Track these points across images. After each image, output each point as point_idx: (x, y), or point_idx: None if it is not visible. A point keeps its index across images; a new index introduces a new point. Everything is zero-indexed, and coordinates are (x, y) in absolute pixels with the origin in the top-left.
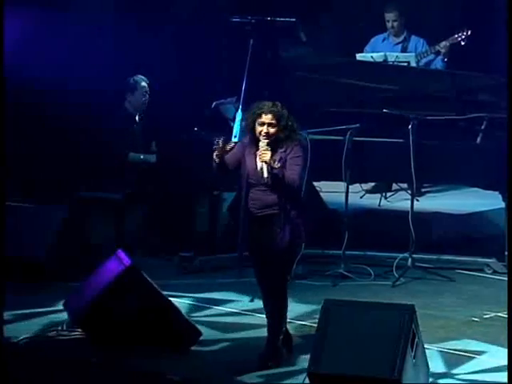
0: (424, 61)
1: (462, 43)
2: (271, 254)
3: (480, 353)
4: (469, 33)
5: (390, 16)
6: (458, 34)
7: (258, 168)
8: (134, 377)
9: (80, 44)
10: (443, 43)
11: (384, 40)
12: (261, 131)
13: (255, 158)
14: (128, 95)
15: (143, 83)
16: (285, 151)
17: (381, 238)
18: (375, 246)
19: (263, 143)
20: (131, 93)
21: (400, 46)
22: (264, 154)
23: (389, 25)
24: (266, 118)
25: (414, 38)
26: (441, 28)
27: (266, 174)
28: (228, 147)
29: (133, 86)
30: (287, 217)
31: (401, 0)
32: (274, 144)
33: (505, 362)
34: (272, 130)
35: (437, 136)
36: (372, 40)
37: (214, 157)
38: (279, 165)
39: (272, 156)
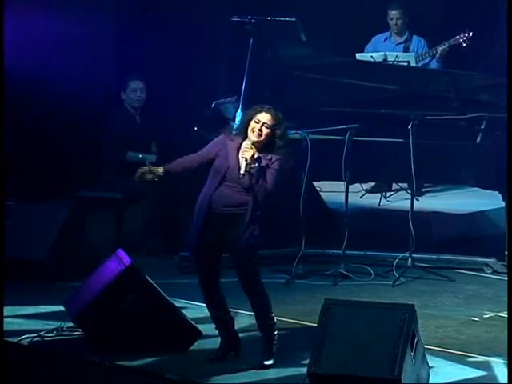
0: (421, 63)
1: (464, 45)
2: (221, 255)
3: (480, 353)
4: (470, 34)
5: (394, 14)
6: (459, 35)
7: (240, 163)
8: (133, 377)
9: (81, 44)
10: (441, 47)
11: (386, 40)
12: (254, 128)
13: (237, 153)
14: (122, 94)
15: (134, 81)
16: (270, 159)
17: (381, 238)
18: (375, 246)
19: (248, 142)
20: (124, 91)
21: (402, 46)
22: (246, 150)
23: (392, 22)
24: (265, 116)
25: (415, 38)
26: (443, 28)
27: (242, 170)
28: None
29: (124, 85)
30: (252, 218)
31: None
32: (262, 148)
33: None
34: (265, 131)
35: (436, 136)
36: (373, 39)
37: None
38: (256, 166)
39: (253, 156)
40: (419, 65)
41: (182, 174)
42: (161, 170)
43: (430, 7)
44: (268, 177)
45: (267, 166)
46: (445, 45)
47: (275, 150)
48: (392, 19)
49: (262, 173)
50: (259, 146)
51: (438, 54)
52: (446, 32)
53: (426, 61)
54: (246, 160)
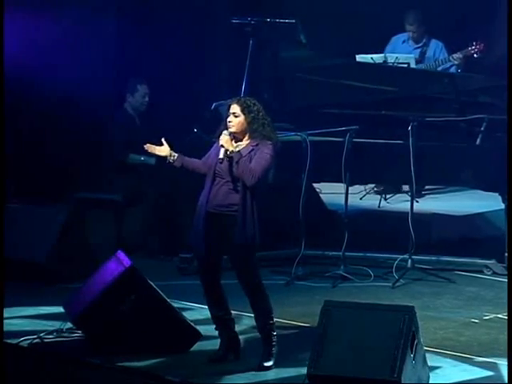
0: (441, 67)
1: (475, 56)
2: (221, 255)
3: (479, 355)
4: (482, 46)
5: (410, 28)
6: (471, 46)
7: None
8: (133, 378)
9: (81, 45)
10: (456, 55)
11: (404, 42)
12: (228, 120)
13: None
14: (128, 96)
15: (143, 85)
16: (257, 145)
17: (380, 240)
18: (375, 248)
19: (225, 131)
20: (131, 94)
21: (419, 50)
22: (222, 138)
23: (409, 34)
24: (232, 107)
25: (433, 42)
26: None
27: (221, 155)
28: None
29: (133, 88)
30: (244, 218)
31: (421, 10)
32: (243, 135)
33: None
34: (236, 120)
35: (436, 137)
36: (393, 39)
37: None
38: (237, 149)
39: (238, 146)
40: (439, 69)
41: (190, 172)
42: (176, 155)
43: (444, 12)
44: (254, 159)
45: (255, 152)
46: (460, 55)
47: (257, 133)
48: (409, 31)
49: (249, 158)
50: (239, 136)
51: (455, 62)
52: (460, 35)
53: (447, 65)
54: (223, 146)
